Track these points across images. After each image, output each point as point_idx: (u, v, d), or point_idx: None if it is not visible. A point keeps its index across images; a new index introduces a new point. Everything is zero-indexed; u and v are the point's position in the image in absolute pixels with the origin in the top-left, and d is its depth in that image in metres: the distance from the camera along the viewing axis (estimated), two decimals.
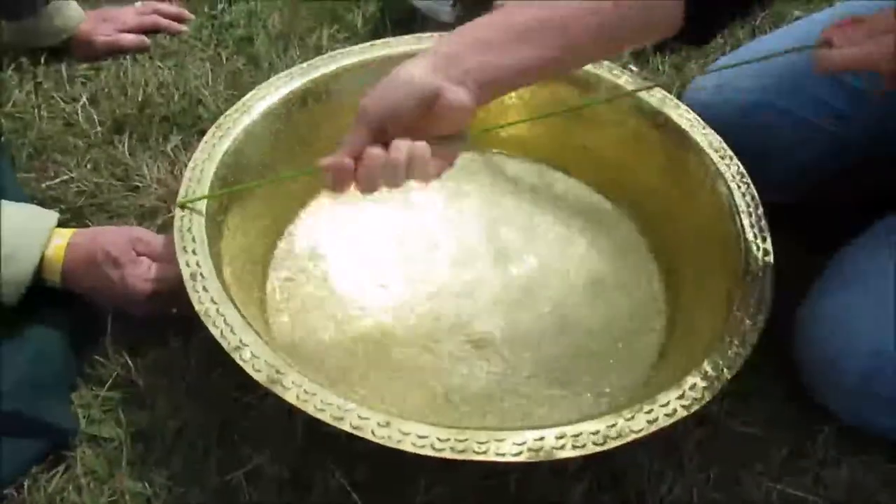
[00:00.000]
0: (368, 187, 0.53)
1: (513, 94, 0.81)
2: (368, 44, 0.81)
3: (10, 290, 0.62)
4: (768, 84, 0.75)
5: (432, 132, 0.53)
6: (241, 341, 0.56)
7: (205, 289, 0.59)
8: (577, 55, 0.57)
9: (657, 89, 0.76)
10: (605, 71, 0.78)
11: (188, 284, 0.59)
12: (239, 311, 0.58)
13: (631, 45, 0.58)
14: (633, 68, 0.94)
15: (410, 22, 1.02)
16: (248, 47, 0.98)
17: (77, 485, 0.58)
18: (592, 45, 0.55)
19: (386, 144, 0.52)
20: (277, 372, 0.54)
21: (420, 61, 0.53)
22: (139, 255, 0.65)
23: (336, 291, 0.71)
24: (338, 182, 0.53)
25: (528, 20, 0.54)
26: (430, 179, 0.54)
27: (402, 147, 0.51)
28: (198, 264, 0.60)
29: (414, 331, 0.68)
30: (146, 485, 0.58)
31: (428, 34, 0.83)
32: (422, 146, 0.52)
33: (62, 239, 0.64)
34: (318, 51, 0.97)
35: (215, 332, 0.57)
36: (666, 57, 0.98)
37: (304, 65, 0.78)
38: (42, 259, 0.63)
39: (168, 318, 0.66)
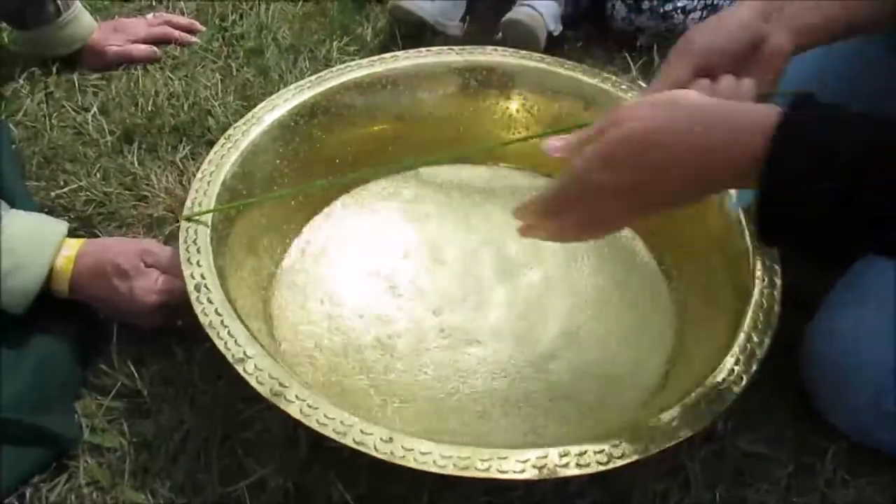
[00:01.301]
0: None
1: (520, 107, 0.82)
2: (377, 57, 0.82)
3: (17, 299, 0.62)
4: (775, 100, 0.75)
5: (744, 75, 0.55)
6: (244, 353, 0.56)
7: (209, 300, 0.59)
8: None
9: None
10: (612, 86, 0.78)
11: (193, 296, 0.59)
12: (243, 323, 0.58)
13: None
14: (642, 84, 0.94)
15: (419, 35, 1.03)
16: (259, 59, 0.99)
17: (79, 494, 0.58)
18: None
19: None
20: (281, 385, 0.54)
21: (749, 4, 0.56)
22: (147, 266, 0.66)
23: (341, 304, 0.71)
24: None
25: None
26: None
27: (730, 81, 0.54)
28: (202, 276, 0.61)
29: (418, 343, 0.68)
30: (148, 495, 0.58)
31: (437, 48, 0.84)
32: (748, 83, 0.54)
33: (71, 249, 0.64)
34: (328, 63, 0.98)
35: (219, 344, 0.57)
36: None
37: (314, 77, 0.79)
38: (51, 269, 0.63)
39: (173, 328, 0.66)
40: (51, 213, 0.76)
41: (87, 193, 0.80)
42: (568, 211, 0.53)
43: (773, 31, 0.56)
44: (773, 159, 0.44)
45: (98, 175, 0.82)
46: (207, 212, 0.66)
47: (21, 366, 0.61)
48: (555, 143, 0.54)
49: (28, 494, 0.58)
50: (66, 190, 0.80)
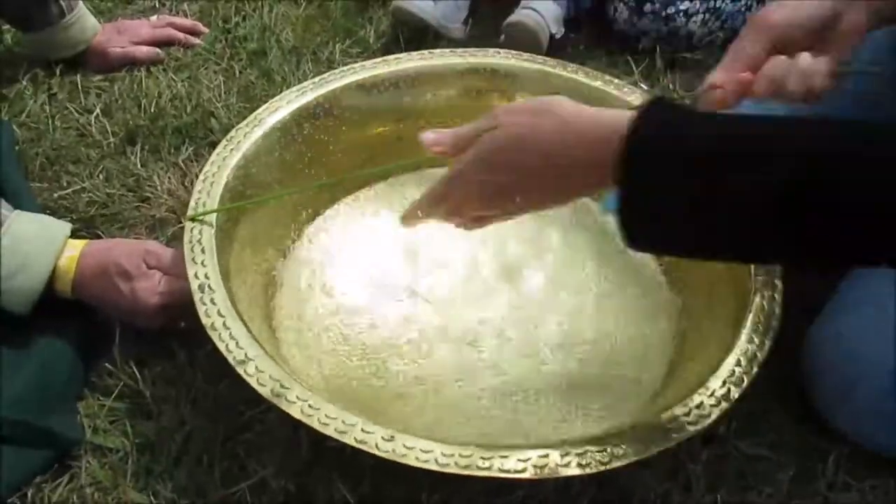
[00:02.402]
0: (773, 91, 0.55)
1: None
2: (380, 59, 0.82)
3: (21, 299, 0.62)
4: (776, 106, 0.75)
5: (819, 53, 0.55)
6: (246, 355, 0.56)
7: (212, 301, 0.59)
8: None
9: None
10: (615, 88, 0.79)
11: (196, 296, 0.59)
12: (245, 324, 0.58)
13: None
14: (644, 87, 0.95)
15: (422, 38, 1.03)
16: (262, 61, 0.99)
17: (81, 495, 0.58)
18: None
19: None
20: (282, 386, 0.54)
21: None
22: (150, 268, 0.66)
23: (343, 305, 0.71)
24: (738, 96, 0.55)
25: None
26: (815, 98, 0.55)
27: (807, 58, 0.54)
28: (206, 276, 0.61)
29: (419, 345, 0.68)
30: (151, 496, 0.58)
31: (439, 50, 0.84)
32: (824, 60, 0.54)
33: (74, 250, 0.65)
34: (331, 65, 0.98)
35: (221, 346, 0.57)
36: (676, 75, 0.99)
37: (317, 79, 0.79)
38: (54, 269, 0.63)
39: (176, 330, 0.67)
40: (53, 214, 0.76)
41: (90, 195, 0.80)
42: (450, 202, 0.56)
43: (848, 9, 0.56)
44: (624, 165, 0.46)
45: (101, 176, 0.83)
46: (212, 211, 0.66)
47: (24, 366, 0.61)
48: (430, 135, 0.55)
49: (30, 495, 0.58)
50: (68, 191, 0.80)
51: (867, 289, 0.63)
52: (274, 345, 0.64)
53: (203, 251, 0.63)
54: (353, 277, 0.73)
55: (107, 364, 0.66)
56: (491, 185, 0.53)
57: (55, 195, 0.80)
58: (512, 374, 0.67)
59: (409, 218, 0.59)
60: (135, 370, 0.65)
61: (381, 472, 0.59)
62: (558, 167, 0.50)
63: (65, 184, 0.81)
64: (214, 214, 0.66)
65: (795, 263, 0.56)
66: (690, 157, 0.44)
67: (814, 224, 0.43)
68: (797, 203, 0.42)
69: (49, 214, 0.74)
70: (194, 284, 0.60)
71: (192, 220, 0.65)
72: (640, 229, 0.47)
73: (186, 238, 0.64)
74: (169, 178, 0.82)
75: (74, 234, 0.67)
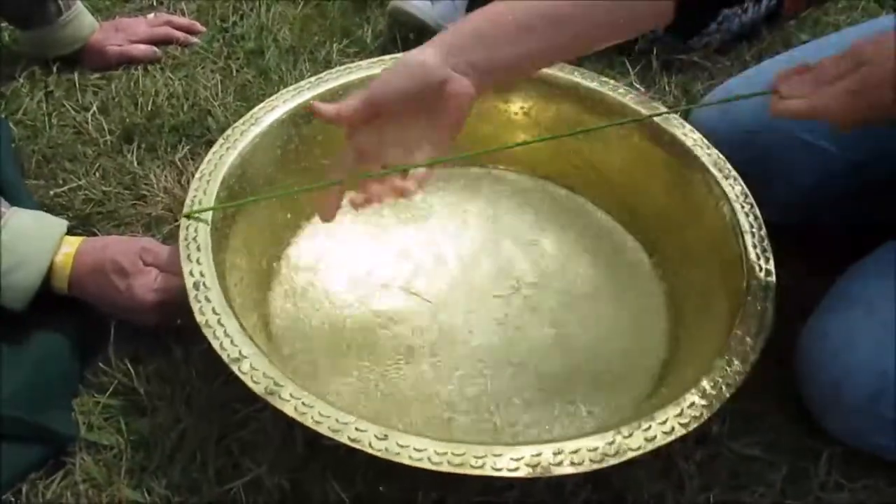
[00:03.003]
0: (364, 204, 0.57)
1: (518, 110, 0.82)
2: (377, 59, 0.82)
3: (17, 296, 0.62)
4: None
5: (430, 120, 0.55)
6: (240, 353, 0.56)
7: (207, 299, 0.59)
8: (577, 45, 0.60)
9: (661, 107, 0.76)
10: (610, 90, 0.79)
11: (191, 294, 0.60)
12: (240, 322, 0.59)
13: (624, 34, 0.60)
14: (639, 87, 0.95)
15: (419, 38, 1.03)
16: (259, 60, 0.99)
17: (75, 492, 0.58)
18: (589, 35, 0.58)
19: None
20: (275, 384, 0.54)
21: (427, 49, 0.55)
22: (147, 265, 0.66)
23: (340, 303, 0.71)
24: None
25: (528, 11, 0.56)
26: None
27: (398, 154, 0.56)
28: (201, 273, 0.61)
29: (414, 343, 0.68)
30: (145, 493, 0.59)
31: None
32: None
33: (71, 247, 0.65)
34: (328, 65, 0.98)
35: (215, 344, 0.57)
36: (672, 77, 0.99)
37: (314, 79, 0.79)
38: (51, 266, 0.63)
39: (171, 327, 0.67)
40: (50, 211, 0.76)
41: (86, 192, 0.80)
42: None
43: (453, 76, 0.54)
44: None
45: (97, 174, 0.83)
46: (207, 209, 0.66)
47: (20, 363, 0.61)
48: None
49: (24, 491, 0.58)
50: (65, 189, 0.80)
51: (858, 289, 0.63)
52: (269, 343, 0.64)
53: (198, 249, 0.63)
54: (348, 276, 0.73)
55: (102, 361, 0.66)
56: None
57: (51, 193, 0.80)
58: (505, 373, 0.67)
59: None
60: (129, 367, 0.65)
61: (376, 471, 0.59)
62: None
63: (61, 181, 0.81)
64: (210, 212, 0.66)
65: None
66: None
67: None
68: None
69: (45, 212, 0.74)
70: (189, 282, 0.60)
71: (188, 217, 0.65)
72: None
73: (182, 236, 0.64)
74: (165, 176, 0.82)
75: (71, 232, 0.67)
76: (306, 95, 0.77)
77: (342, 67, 0.81)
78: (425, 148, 0.56)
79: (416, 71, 0.55)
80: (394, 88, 0.55)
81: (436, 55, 0.55)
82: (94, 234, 0.75)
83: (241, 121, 0.74)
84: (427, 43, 0.56)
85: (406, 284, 0.73)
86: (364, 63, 0.81)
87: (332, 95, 0.78)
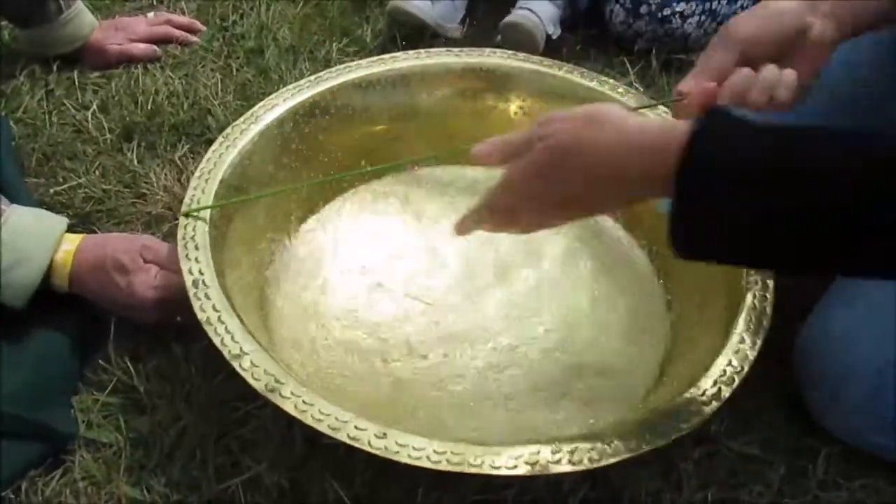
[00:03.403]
0: (736, 102, 0.56)
1: (518, 110, 0.83)
2: (377, 58, 0.82)
3: (18, 293, 0.62)
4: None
5: (786, 66, 0.56)
6: (241, 350, 0.56)
7: (207, 296, 0.59)
8: None
9: (660, 108, 0.76)
10: (610, 89, 0.79)
11: (190, 291, 0.60)
12: (240, 319, 0.59)
13: None
14: (639, 87, 0.95)
15: (419, 38, 1.03)
16: (259, 59, 0.99)
17: (75, 489, 0.58)
18: None
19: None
20: (276, 381, 0.54)
21: None
22: (147, 262, 0.66)
23: (337, 302, 0.71)
24: (702, 105, 0.56)
25: None
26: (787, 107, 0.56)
27: (773, 71, 0.55)
28: (200, 272, 0.61)
29: (412, 343, 0.68)
30: (144, 491, 0.59)
31: (435, 50, 0.84)
32: (790, 73, 0.55)
33: (71, 244, 0.65)
34: (328, 64, 0.98)
35: (216, 340, 0.57)
36: (672, 77, 0.99)
37: (313, 77, 0.79)
38: (51, 263, 0.63)
39: (171, 324, 0.67)
40: (50, 209, 0.76)
41: (86, 191, 0.80)
42: (506, 213, 0.55)
43: (816, 22, 0.56)
44: (681, 180, 0.45)
45: (97, 172, 0.83)
46: (206, 207, 0.66)
47: (20, 360, 0.61)
48: (481, 147, 0.55)
49: (24, 488, 0.58)
50: (65, 187, 0.81)
51: (858, 287, 0.63)
52: (269, 340, 0.64)
53: (196, 247, 0.63)
54: (348, 275, 0.73)
55: (101, 359, 0.66)
56: (551, 194, 0.52)
57: (51, 191, 0.80)
58: (505, 373, 0.67)
59: (463, 227, 0.58)
60: (129, 365, 0.65)
61: (375, 469, 0.59)
62: (618, 175, 0.49)
63: (61, 180, 0.81)
64: (209, 210, 0.66)
65: (859, 275, 0.54)
66: (750, 171, 0.43)
67: (880, 239, 0.41)
68: (863, 218, 0.41)
69: (45, 210, 0.74)
70: (188, 280, 0.60)
71: (186, 215, 0.65)
72: (691, 240, 0.46)
73: (180, 234, 0.64)
74: (165, 174, 0.83)
75: (71, 230, 0.67)
76: (306, 94, 0.77)
77: (342, 66, 0.81)
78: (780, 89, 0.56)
79: (778, 16, 0.57)
80: (755, 33, 0.57)
81: (797, 1, 0.57)
82: (94, 232, 0.76)
83: (240, 119, 0.74)
84: None
85: (405, 285, 0.73)
86: (364, 62, 0.81)
87: (331, 94, 0.78)
